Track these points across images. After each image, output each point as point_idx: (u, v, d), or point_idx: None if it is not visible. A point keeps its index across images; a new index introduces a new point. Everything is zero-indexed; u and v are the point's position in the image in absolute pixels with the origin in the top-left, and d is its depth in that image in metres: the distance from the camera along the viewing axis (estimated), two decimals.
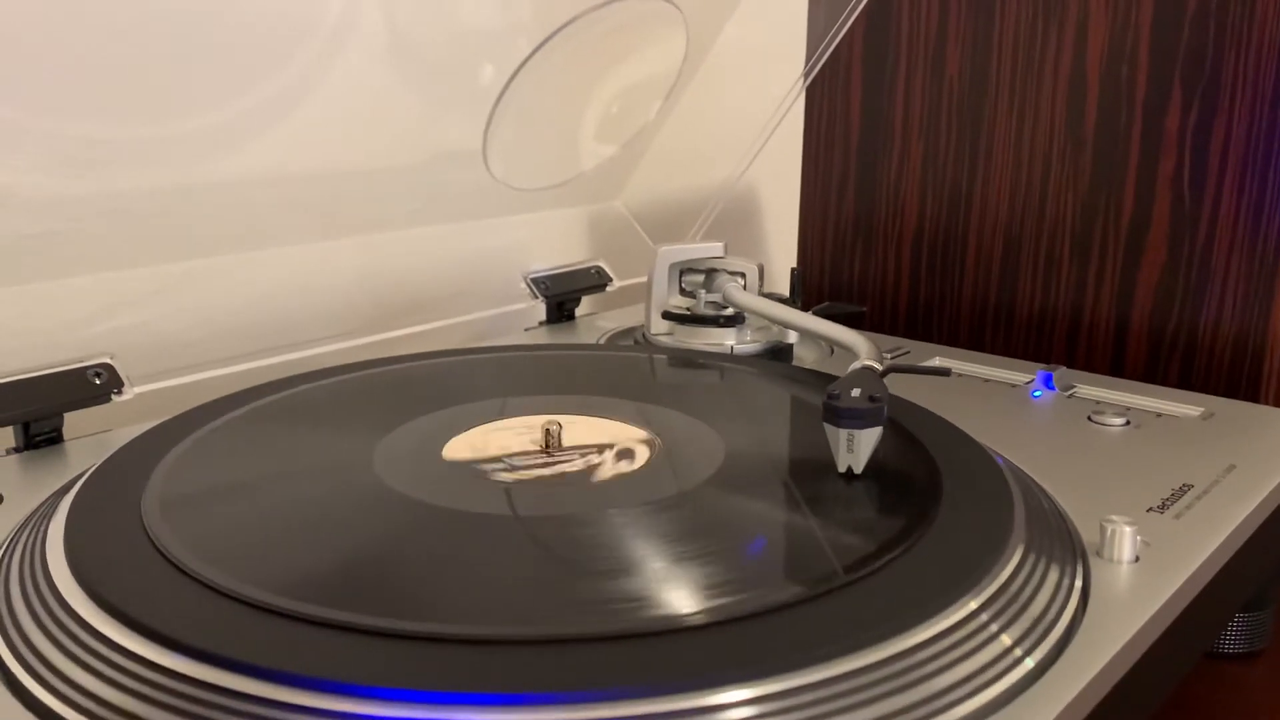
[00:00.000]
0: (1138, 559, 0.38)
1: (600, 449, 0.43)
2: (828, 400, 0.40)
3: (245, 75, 0.52)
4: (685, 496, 0.39)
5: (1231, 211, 0.61)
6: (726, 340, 0.60)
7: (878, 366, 0.45)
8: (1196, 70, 0.61)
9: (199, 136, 0.53)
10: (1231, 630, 0.50)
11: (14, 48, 0.43)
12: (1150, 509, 0.42)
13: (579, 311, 0.72)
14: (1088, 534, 0.39)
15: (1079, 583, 0.36)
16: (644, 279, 0.64)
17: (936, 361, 0.61)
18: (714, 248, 0.62)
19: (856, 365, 0.45)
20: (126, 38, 0.46)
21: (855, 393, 0.41)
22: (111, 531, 0.36)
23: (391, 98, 0.59)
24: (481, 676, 0.28)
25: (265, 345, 0.59)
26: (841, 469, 0.40)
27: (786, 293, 0.64)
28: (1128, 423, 0.51)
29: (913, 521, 0.36)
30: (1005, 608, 0.33)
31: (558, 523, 0.37)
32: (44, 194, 0.49)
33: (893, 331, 0.75)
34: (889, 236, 0.75)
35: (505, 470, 0.41)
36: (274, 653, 0.28)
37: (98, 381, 0.49)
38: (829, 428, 0.40)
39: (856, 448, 0.40)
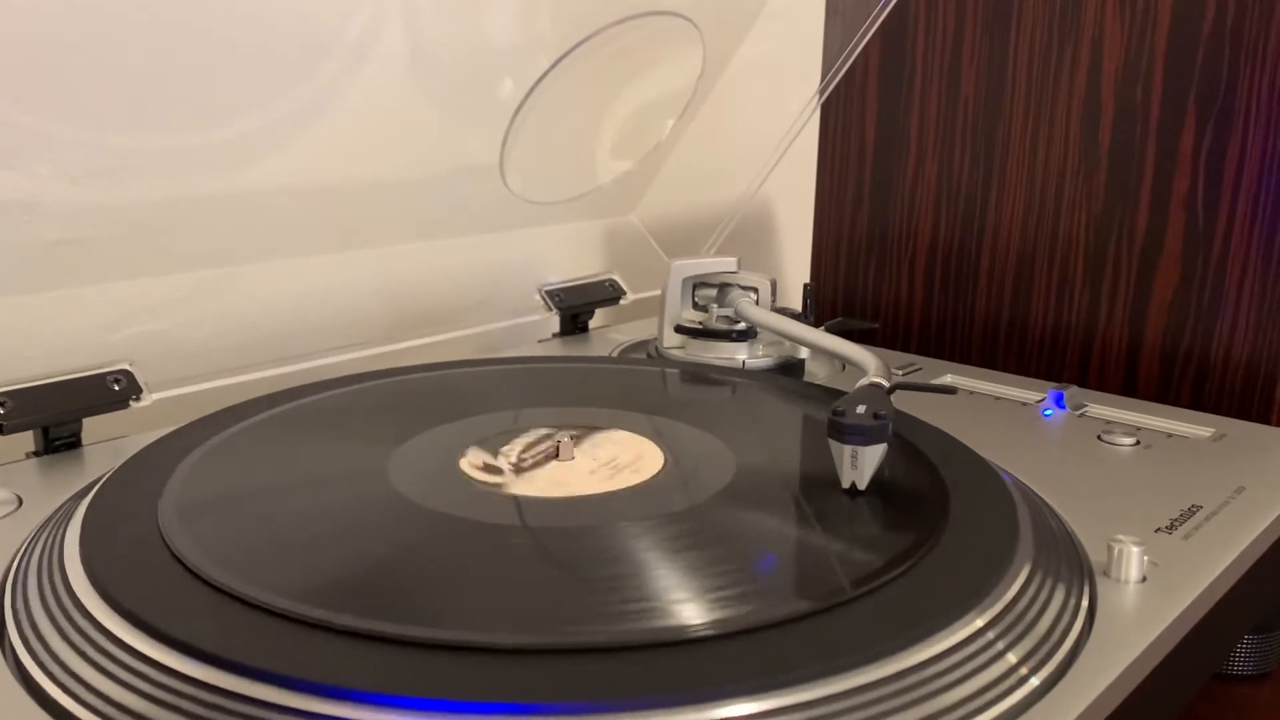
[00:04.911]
0: (1145, 579, 0.38)
1: (611, 462, 0.44)
2: (833, 416, 0.41)
3: (268, 88, 0.53)
4: (695, 510, 0.39)
5: (1245, 233, 0.61)
6: (738, 355, 0.60)
7: (885, 383, 0.45)
8: (1211, 92, 0.61)
9: (222, 147, 0.53)
10: (1240, 652, 0.50)
11: (42, 59, 0.44)
12: (1159, 529, 0.42)
13: (592, 324, 0.73)
14: (1095, 553, 0.39)
15: (1086, 602, 0.36)
16: (657, 293, 0.64)
17: (947, 379, 0.61)
18: (727, 262, 0.62)
19: (864, 382, 0.45)
20: (152, 50, 0.47)
21: (861, 409, 0.41)
22: (128, 536, 0.36)
23: (411, 111, 0.60)
24: (491, 685, 0.28)
25: (282, 354, 0.59)
26: (845, 485, 0.40)
27: (799, 308, 0.64)
28: (1138, 442, 0.51)
29: (920, 538, 0.37)
30: (1011, 626, 0.33)
31: (568, 534, 0.38)
32: (68, 202, 0.49)
33: (905, 348, 0.75)
34: (902, 253, 0.75)
35: (517, 482, 0.42)
36: (288, 659, 0.29)
37: (116, 388, 0.50)
38: (834, 444, 0.41)
39: (860, 464, 0.40)
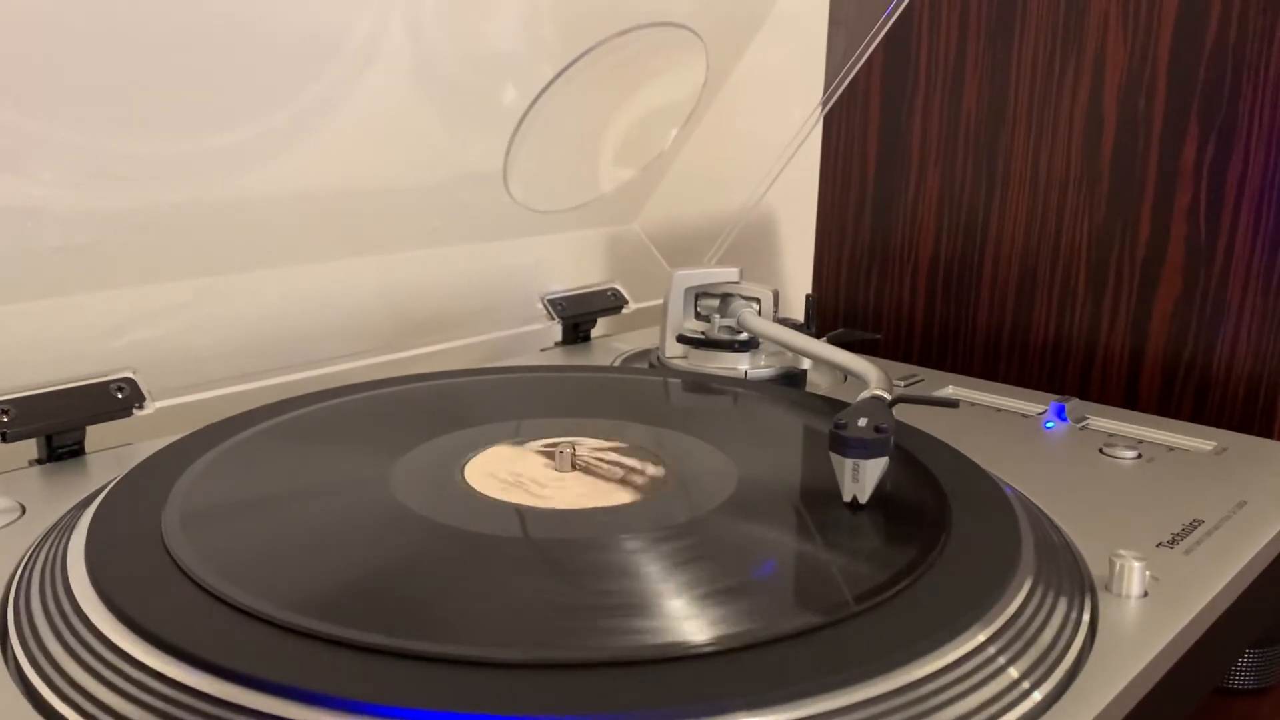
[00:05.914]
0: (1146, 594, 0.38)
1: (613, 473, 0.44)
2: (834, 429, 0.41)
3: (271, 94, 0.53)
4: (696, 523, 0.39)
5: (1247, 245, 0.61)
6: (740, 365, 0.60)
7: (886, 396, 0.45)
8: (1214, 105, 0.61)
9: (225, 153, 0.53)
10: (1241, 666, 0.50)
11: (44, 63, 0.44)
12: (1160, 544, 0.42)
13: (594, 333, 0.73)
14: (1097, 567, 0.39)
15: (1087, 616, 0.36)
16: (659, 302, 0.64)
17: (949, 390, 0.61)
18: (729, 272, 0.62)
19: (865, 394, 0.45)
20: (155, 55, 0.47)
21: (862, 422, 0.41)
22: (131, 546, 0.36)
23: (415, 118, 0.60)
24: (493, 699, 0.28)
25: (285, 362, 0.59)
26: (847, 498, 0.40)
27: (801, 318, 0.65)
28: (1139, 456, 0.51)
29: (921, 552, 0.37)
30: (1013, 640, 0.33)
31: (569, 547, 0.38)
32: (71, 208, 0.50)
33: (907, 359, 0.75)
34: (905, 264, 0.75)
35: (519, 493, 0.42)
36: (291, 670, 0.29)
37: (120, 396, 0.50)
38: (835, 457, 0.41)
39: (862, 477, 0.40)
